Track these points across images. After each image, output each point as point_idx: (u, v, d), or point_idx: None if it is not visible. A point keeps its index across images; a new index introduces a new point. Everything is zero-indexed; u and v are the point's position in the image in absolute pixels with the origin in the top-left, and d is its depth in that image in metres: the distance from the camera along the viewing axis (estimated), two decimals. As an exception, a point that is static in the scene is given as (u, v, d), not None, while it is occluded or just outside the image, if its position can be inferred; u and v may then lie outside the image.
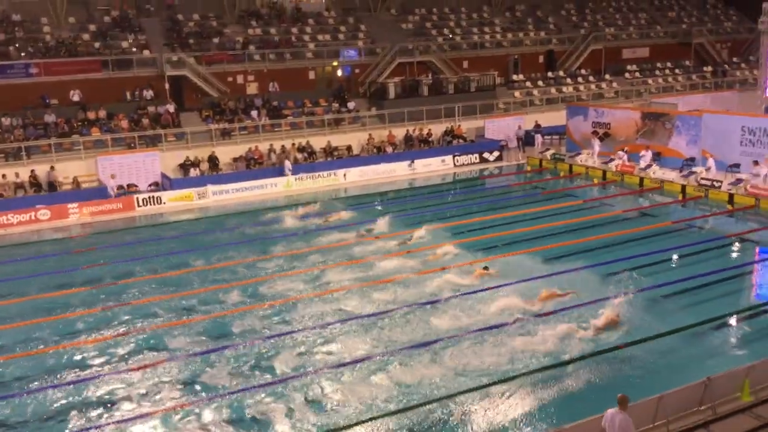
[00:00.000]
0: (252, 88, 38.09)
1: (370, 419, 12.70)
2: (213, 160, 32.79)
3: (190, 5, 39.68)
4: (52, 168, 30.19)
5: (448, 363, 14.49)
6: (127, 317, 17.71)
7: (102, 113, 33.17)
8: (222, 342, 16.06)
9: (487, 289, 18.16)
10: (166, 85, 35.13)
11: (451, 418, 12.61)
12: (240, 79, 37.84)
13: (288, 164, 32.76)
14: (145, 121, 33.16)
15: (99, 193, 29.72)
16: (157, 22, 38.26)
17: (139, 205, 29.44)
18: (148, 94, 34.94)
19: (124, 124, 32.89)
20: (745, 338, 15.45)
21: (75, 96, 33.79)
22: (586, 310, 16.54)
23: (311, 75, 39.69)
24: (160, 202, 29.81)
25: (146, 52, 35.72)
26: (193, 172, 31.92)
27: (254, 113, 35.48)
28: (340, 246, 22.85)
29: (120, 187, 30.52)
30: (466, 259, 20.83)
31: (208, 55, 36.86)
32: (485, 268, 19.43)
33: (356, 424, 12.61)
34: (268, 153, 33.87)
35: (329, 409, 13.15)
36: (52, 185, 29.78)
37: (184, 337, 16.42)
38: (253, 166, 33.21)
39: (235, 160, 33.48)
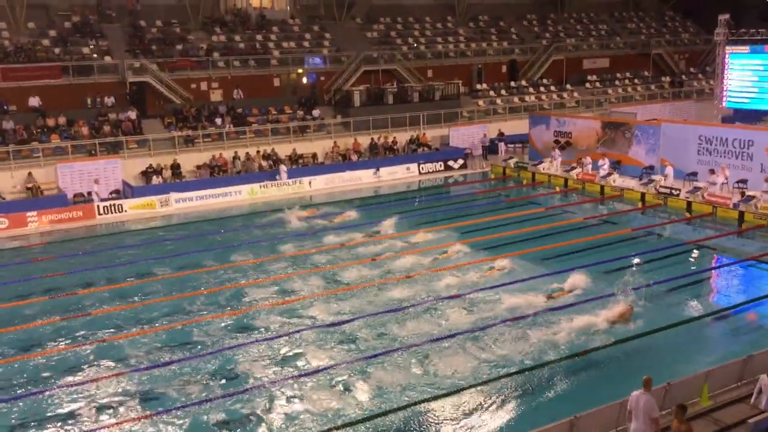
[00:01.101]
0: (216, 95, 37.80)
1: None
2: (176, 168, 32.44)
3: (152, 11, 39.25)
4: (29, 174, 29.78)
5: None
6: (87, 327, 17.38)
7: (62, 120, 32.58)
8: (185, 352, 15.87)
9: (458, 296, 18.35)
10: (128, 92, 34.65)
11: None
12: (204, 85, 37.52)
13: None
14: (106, 128, 32.66)
15: (59, 201, 29.15)
16: (119, 28, 37.75)
17: (99, 213, 28.95)
18: (110, 100, 34.45)
19: (85, 130, 32.35)
20: (703, 343, 15.79)
21: (34, 102, 33.11)
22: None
23: (276, 82, 39.54)
24: (122, 210, 29.34)
25: (107, 58, 35.20)
26: (156, 180, 31.52)
27: (218, 120, 35.21)
28: (308, 253, 22.83)
29: (80, 195, 30.05)
30: (434, 265, 21.00)
31: (171, 62, 36.47)
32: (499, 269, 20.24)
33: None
34: (232, 160, 33.63)
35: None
36: (34, 190, 29.40)
37: (146, 347, 16.20)
38: (217, 174, 32.93)
39: (199, 167, 33.15)
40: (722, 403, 12.18)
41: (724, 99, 37.70)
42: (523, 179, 34.18)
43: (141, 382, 14.56)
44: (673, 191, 27.95)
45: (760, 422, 10.42)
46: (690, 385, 12.15)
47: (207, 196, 30.98)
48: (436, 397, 13.48)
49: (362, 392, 13.85)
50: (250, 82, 38.32)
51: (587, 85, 47.83)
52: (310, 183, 33.15)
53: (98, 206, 28.98)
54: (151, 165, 32.07)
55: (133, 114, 33.71)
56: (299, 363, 15.22)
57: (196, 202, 30.63)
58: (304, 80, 40.42)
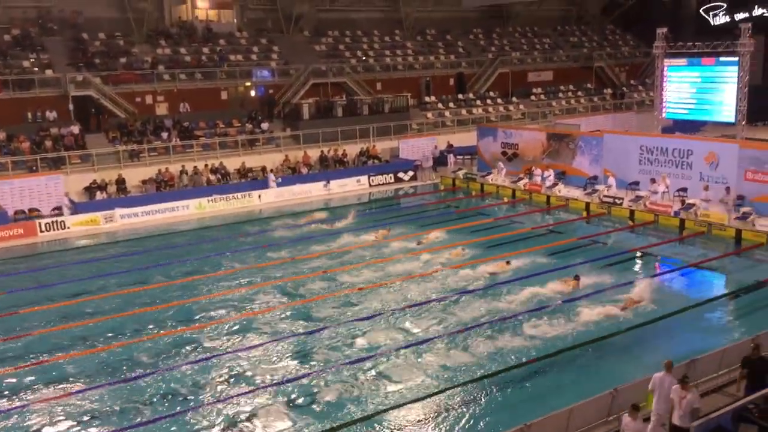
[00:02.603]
0: (162, 109, 37.20)
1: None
2: (121, 183, 31.79)
3: (95, 24, 38.40)
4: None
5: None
6: (28, 348, 16.86)
7: (1, 135, 31.58)
8: (131, 372, 15.50)
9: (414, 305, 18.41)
10: (70, 106, 33.84)
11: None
12: (149, 99, 36.91)
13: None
14: (48, 143, 31.83)
15: (-2, 218, 28.28)
16: (61, 42, 36.84)
17: (41, 231, 28.13)
18: (51, 115, 33.60)
19: (25, 146, 31.44)
20: (649, 347, 16.16)
21: (-29, 117, 32.12)
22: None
23: (224, 95, 39.18)
24: (64, 227, 28.60)
25: (49, 72, 34.34)
26: (100, 196, 30.83)
27: (164, 134, 34.66)
28: (260, 267, 22.64)
29: (21, 212, 29.21)
30: (387, 278, 21.08)
31: (115, 75, 35.79)
32: (507, 262, 21.45)
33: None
34: (179, 175, 33.13)
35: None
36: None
37: (90, 367, 15.79)
38: (163, 189, 32.39)
39: (145, 182, 32.55)
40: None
41: (664, 110, 38.81)
42: (472, 190, 34.59)
43: (85, 403, 14.14)
44: (616, 200, 28.66)
45: (703, 424, 10.68)
46: (636, 389, 12.39)
47: (153, 211, 30.43)
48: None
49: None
50: (197, 95, 37.86)
51: (532, 97, 48.75)
52: (259, 196, 32.88)
53: (40, 224, 28.19)
54: (95, 180, 31.36)
55: (76, 128, 32.94)
56: (251, 379, 15.05)
57: (142, 218, 30.05)
58: (252, 93, 40.16)
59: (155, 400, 14.21)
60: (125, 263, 24.11)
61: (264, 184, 33.67)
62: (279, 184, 33.24)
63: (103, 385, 14.81)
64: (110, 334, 17.63)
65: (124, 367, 15.75)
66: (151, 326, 18.08)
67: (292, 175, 35.30)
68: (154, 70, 36.91)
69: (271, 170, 34.50)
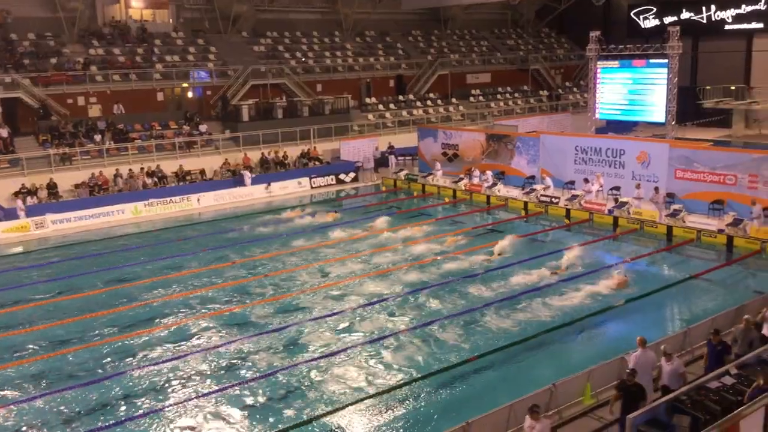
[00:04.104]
0: (95, 111, 36.15)
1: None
2: (52, 188, 30.75)
3: (24, 24, 37.02)
4: None
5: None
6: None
7: None
8: (64, 382, 14.99)
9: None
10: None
11: None
12: (81, 101, 35.83)
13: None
14: (-26, 146, 30.61)
15: None
16: (-12, 41, 35.51)
17: (-33, 238, 27.03)
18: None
19: (-51, 150, 30.19)
20: (583, 343, 16.53)
21: None
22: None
23: (159, 96, 38.35)
24: (-7, 234, 27.54)
25: (-26, 73, 33.02)
26: (30, 201, 29.75)
27: (97, 137, 33.70)
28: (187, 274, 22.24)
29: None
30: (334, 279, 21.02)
31: (45, 76, 34.60)
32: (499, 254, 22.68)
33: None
34: (114, 178, 32.25)
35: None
36: None
37: (20, 378, 15.23)
38: (97, 193, 31.47)
39: (77, 186, 31.58)
40: (604, 400, 12.76)
41: (597, 111, 39.78)
42: (413, 191, 34.77)
43: (14, 417, 13.62)
44: (553, 200, 29.26)
45: (638, 416, 10.97)
46: (574, 384, 12.67)
47: (86, 216, 29.52)
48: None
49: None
50: (132, 97, 36.96)
51: (471, 99, 49.38)
52: (198, 200, 32.28)
53: (-35, 231, 27.07)
54: (24, 185, 30.25)
55: (4, 131, 31.71)
56: (189, 387, 14.74)
57: (75, 223, 29.12)
58: (190, 94, 39.45)
59: (88, 411, 13.77)
60: (56, 270, 23.32)
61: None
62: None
63: (34, 398, 14.27)
64: (41, 344, 17.02)
65: (55, 378, 15.22)
66: (83, 335, 17.51)
67: (232, 177, 34.82)
68: (86, 71, 35.85)
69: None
